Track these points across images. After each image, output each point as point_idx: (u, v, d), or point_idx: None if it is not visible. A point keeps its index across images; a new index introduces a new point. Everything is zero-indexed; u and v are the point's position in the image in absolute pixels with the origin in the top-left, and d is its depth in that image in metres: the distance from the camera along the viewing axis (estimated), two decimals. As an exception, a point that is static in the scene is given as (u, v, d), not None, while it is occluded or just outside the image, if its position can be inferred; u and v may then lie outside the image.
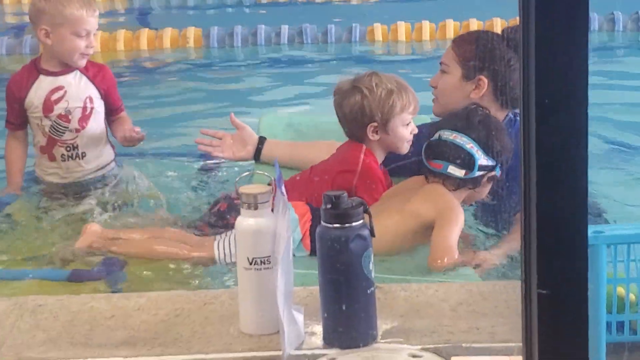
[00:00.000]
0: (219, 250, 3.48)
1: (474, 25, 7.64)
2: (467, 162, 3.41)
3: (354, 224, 2.16)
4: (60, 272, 3.51)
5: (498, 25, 7.32)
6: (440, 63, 3.90)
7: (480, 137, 3.43)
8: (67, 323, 2.35)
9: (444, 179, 3.43)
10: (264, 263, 2.23)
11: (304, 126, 4.36)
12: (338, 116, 3.74)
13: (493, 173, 3.46)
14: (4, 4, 9.42)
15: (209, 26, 7.85)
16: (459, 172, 3.42)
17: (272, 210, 2.24)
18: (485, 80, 3.77)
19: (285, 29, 7.79)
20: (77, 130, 4.23)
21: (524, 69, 1.36)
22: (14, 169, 4.32)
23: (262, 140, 4.09)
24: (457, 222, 3.32)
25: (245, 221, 2.25)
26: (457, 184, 3.43)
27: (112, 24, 8.25)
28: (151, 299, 2.48)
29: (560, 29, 1.34)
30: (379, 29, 7.82)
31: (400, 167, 3.80)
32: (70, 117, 4.21)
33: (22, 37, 7.56)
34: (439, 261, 3.24)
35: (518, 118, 3.84)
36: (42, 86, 4.23)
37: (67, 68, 4.24)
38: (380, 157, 3.71)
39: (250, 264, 2.24)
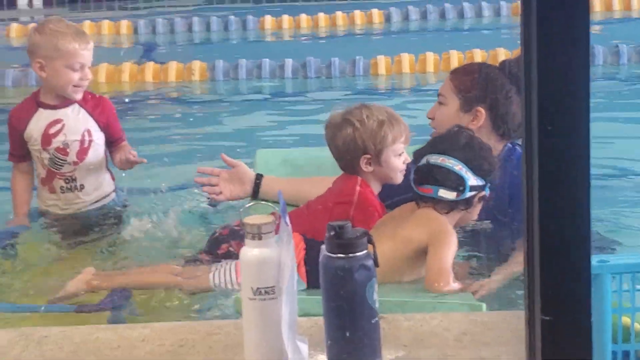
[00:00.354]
0: (214, 281, 3.50)
1: (478, 55, 7.65)
2: (458, 184, 3.41)
3: (358, 254, 2.15)
4: (67, 306, 3.52)
5: (502, 56, 7.32)
6: (438, 94, 3.90)
7: (468, 158, 3.43)
8: (72, 354, 2.35)
9: (435, 203, 3.43)
10: (268, 293, 2.23)
11: (301, 161, 4.34)
12: (331, 149, 3.75)
13: (483, 193, 3.46)
14: (10, 37, 9.48)
15: (213, 59, 7.87)
16: (450, 195, 3.41)
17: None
18: (483, 112, 3.77)
19: (289, 62, 7.81)
20: (75, 163, 4.25)
21: (525, 74, 1.36)
22: (19, 201, 4.34)
23: (259, 177, 4.09)
24: (450, 244, 3.32)
25: (250, 251, 2.25)
26: (449, 207, 3.43)
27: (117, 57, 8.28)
28: (155, 329, 2.47)
29: (559, 27, 1.34)
30: (382, 61, 7.84)
31: (399, 201, 3.76)
32: (68, 150, 4.23)
33: (28, 69, 7.60)
34: (436, 284, 3.24)
35: (517, 147, 3.84)
36: (41, 119, 4.25)
37: (65, 101, 4.26)
38: (376, 188, 3.72)
39: (255, 294, 2.24)
